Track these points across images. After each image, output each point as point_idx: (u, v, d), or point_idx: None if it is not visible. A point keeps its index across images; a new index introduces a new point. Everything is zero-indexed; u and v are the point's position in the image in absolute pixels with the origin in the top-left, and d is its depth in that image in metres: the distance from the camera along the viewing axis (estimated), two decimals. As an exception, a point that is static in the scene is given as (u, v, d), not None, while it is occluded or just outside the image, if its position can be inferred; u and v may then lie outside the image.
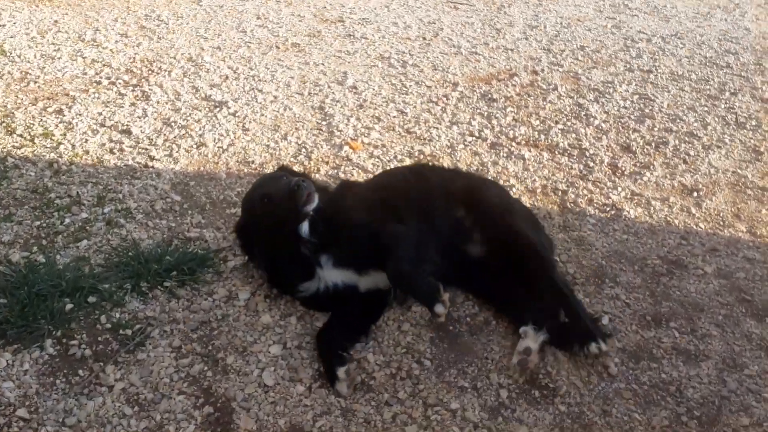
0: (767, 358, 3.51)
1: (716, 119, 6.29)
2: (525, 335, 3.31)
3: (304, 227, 3.36)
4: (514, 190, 4.90)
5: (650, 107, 6.44)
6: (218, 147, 5.12)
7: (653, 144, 5.77)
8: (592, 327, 3.37)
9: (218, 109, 5.66)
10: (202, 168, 4.83)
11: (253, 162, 4.96)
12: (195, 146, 5.10)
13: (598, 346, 3.25)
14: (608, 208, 4.81)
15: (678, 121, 6.20)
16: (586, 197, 4.93)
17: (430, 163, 5.03)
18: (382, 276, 3.39)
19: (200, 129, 5.33)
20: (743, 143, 5.92)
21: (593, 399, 3.18)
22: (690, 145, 5.81)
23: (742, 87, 7.05)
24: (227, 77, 6.27)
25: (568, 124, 5.99)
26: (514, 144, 5.57)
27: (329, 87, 6.25)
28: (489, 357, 3.37)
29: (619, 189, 5.08)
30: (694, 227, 4.69)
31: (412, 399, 3.08)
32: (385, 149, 5.28)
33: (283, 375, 3.15)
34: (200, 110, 5.62)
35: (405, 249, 3.32)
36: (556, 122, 6.00)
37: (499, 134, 5.70)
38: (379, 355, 3.30)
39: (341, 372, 3.06)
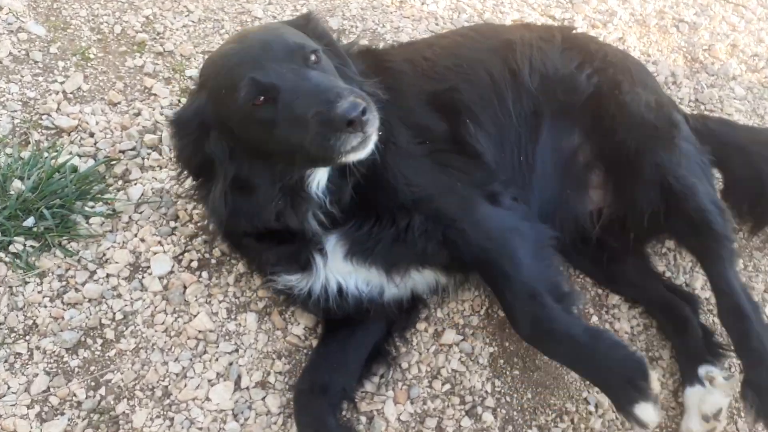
0: None
1: None
2: (710, 382, 1.87)
3: (320, 179, 1.70)
4: (607, 26, 2.96)
5: None
6: None
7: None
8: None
9: None
10: (83, -38, 2.71)
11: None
12: None
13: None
14: (762, 63, 2.98)
15: None
16: (728, 39, 3.05)
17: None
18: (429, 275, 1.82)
19: None
20: None
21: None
22: None
23: None
24: None
25: None
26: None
27: None
28: (594, 396, 1.96)
29: (777, 21, 3.17)
30: None
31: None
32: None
33: (234, 455, 1.73)
34: None
35: (523, 260, 1.68)
36: None
37: None
38: (404, 404, 1.87)
39: None
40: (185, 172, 1.75)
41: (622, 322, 2.10)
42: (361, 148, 1.50)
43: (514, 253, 1.69)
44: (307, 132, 1.47)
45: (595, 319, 2.11)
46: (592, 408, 1.93)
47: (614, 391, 1.57)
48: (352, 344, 1.87)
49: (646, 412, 1.50)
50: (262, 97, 1.51)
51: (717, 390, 1.83)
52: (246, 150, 1.62)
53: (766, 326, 1.81)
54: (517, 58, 2.03)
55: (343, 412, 1.83)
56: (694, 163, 1.97)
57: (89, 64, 2.45)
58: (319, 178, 1.68)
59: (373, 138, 1.53)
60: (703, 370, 1.88)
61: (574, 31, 2.30)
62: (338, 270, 1.78)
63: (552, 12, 3.10)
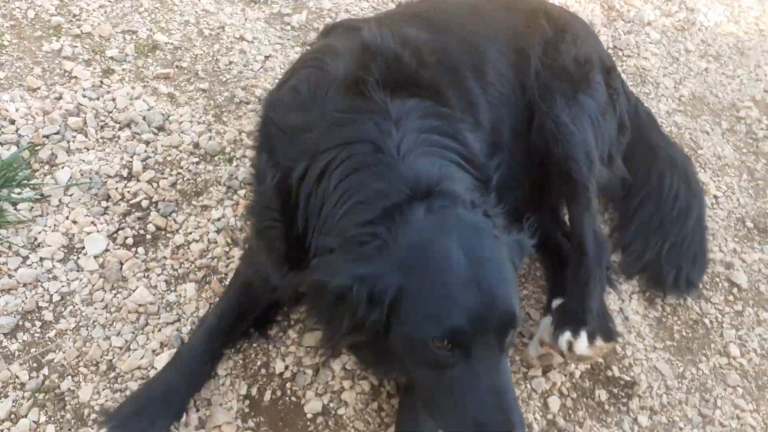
0: None
1: None
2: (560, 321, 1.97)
3: None
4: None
5: None
6: None
7: None
8: (590, 314, 1.93)
9: None
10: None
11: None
12: None
13: (569, 339, 1.87)
14: (675, 8, 3.11)
15: None
16: (641, -14, 3.18)
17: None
18: None
19: None
20: None
21: (686, 394, 2.03)
22: None
23: None
24: None
25: None
26: None
27: None
28: (528, 328, 2.07)
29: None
30: (796, 38, 3.13)
31: None
32: None
33: (187, 420, 1.77)
34: None
35: None
36: None
37: None
38: (349, 355, 1.93)
39: None
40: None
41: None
42: None
43: None
44: (458, 419, 1.34)
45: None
46: (526, 339, 2.05)
47: None
48: None
49: None
50: (450, 345, 1.32)
51: None
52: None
53: (600, 267, 2.02)
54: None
55: (289, 368, 1.89)
56: (585, 115, 2.08)
57: (4, 51, 2.40)
58: None
59: None
60: (555, 303, 2.01)
61: None
62: None
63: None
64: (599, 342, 1.88)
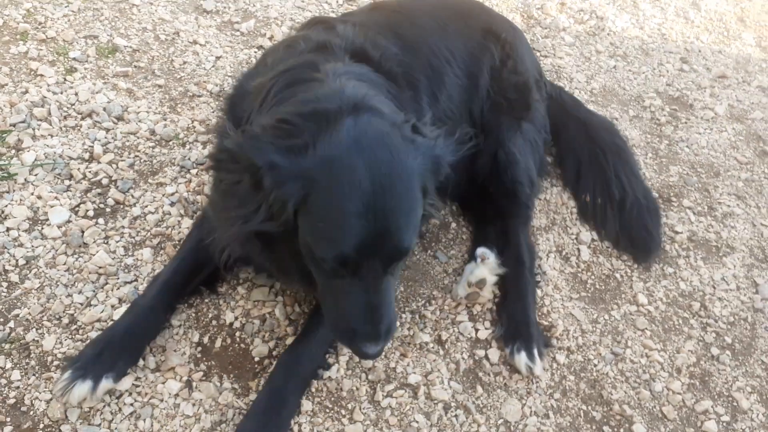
0: (800, 243, 2.72)
1: None
2: (482, 260, 2.27)
3: None
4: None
5: None
6: None
7: None
8: (533, 327, 2.18)
9: None
10: (-41, -35, 2.86)
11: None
12: None
13: (529, 364, 2.08)
14: (586, 16, 3.50)
15: None
16: (557, 0, 3.55)
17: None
18: None
19: None
20: None
21: (599, 336, 2.27)
22: None
23: None
24: None
25: None
26: None
27: None
28: (456, 285, 2.30)
29: (598, -17, 3.71)
30: (695, 41, 3.53)
31: (350, 376, 2.02)
32: None
33: (145, 364, 1.93)
34: None
35: None
36: None
37: None
38: (292, 306, 2.13)
39: None
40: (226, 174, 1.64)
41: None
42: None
43: None
44: (338, 321, 1.63)
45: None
46: (455, 291, 2.27)
47: None
48: None
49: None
50: (342, 270, 1.54)
51: (484, 266, 2.24)
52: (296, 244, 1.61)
53: (533, 275, 2.34)
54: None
55: (238, 319, 2.07)
56: (527, 142, 2.46)
57: (-27, 54, 2.60)
58: None
59: None
60: (479, 251, 2.29)
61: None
62: None
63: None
64: (545, 353, 2.15)
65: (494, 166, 2.40)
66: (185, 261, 2.08)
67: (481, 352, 2.14)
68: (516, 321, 2.18)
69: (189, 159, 2.45)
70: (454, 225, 2.50)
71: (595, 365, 2.19)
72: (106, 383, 1.79)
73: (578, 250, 2.50)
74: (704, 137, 3.02)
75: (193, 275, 2.09)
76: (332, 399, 1.95)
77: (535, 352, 2.10)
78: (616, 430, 2.04)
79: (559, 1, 3.53)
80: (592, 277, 2.44)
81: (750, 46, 3.60)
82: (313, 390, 1.95)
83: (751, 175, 2.92)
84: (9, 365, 1.86)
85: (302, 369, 1.93)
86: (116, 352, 1.87)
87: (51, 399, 1.80)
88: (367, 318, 1.60)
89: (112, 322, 1.96)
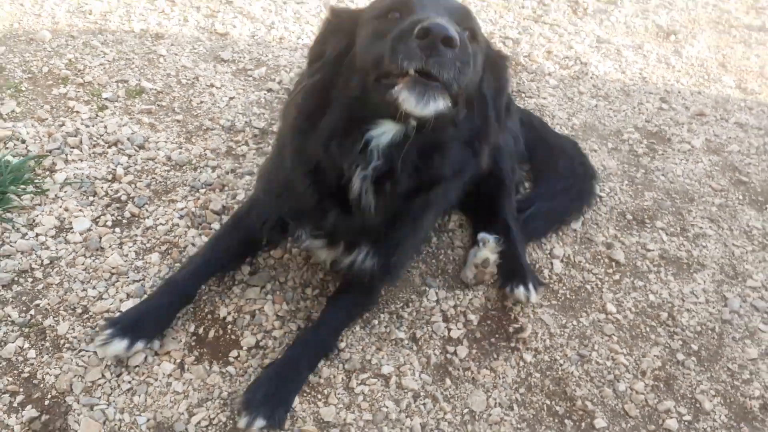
0: (771, 261, 2.84)
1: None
2: (483, 244, 2.53)
3: (385, 136, 1.78)
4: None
5: None
6: (42, -10, 3.59)
7: (623, -29, 4.62)
8: (527, 270, 2.55)
9: (41, -70, 3.97)
10: (15, 24, 3.36)
11: (91, 12, 3.52)
12: (6, -11, 3.56)
13: (526, 294, 2.43)
14: (571, 62, 3.79)
15: (650, -61, 5.00)
16: (543, 48, 3.87)
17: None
18: None
19: (14, -38, 3.72)
20: (726, -32, 4.86)
21: (566, 340, 2.41)
22: (666, -29, 4.69)
23: None
24: None
25: (520, -55, 4.68)
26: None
27: None
28: (433, 289, 2.50)
29: (583, 35, 4.02)
30: (675, 84, 3.77)
31: (328, 366, 2.21)
32: (282, -13, 3.90)
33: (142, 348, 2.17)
34: (14, -67, 3.92)
35: None
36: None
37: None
38: (281, 304, 2.36)
39: None
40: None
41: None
42: (422, 96, 1.49)
43: None
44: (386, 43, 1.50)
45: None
46: (431, 296, 2.47)
47: None
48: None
49: None
50: (398, 14, 1.57)
51: (486, 248, 2.50)
52: (348, 65, 1.68)
53: (521, 234, 2.64)
54: None
55: (231, 314, 2.31)
56: (510, 137, 2.77)
57: (21, 95, 3.03)
58: (385, 132, 1.72)
59: (443, 95, 1.52)
60: (480, 236, 2.55)
61: None
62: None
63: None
64: (539, 288, 2.49)
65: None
66: (219, 244, 2.38)
67: (451, 349, 2.31)
68: (511, 267, 2.51)
69: (199, 180, 2.76)
70: (434, 239, 2.72)
71: (561, 365, 2.33)
72: (139, 344, 2.08)
73: (551, 263, 2.68)
74: (680, 167, 3.21)
75: (225, 256, 2.37)
76: (310, 385, 2.14)
77: (531, 286, 2.44)
78: (577, 423, 2.16)
79: (546, 49, 3.85)
80: (564, 287, 2.61)
81: (730, 87, 3.82)
82: (293, 375, 2.15)
83: (725, 201, 3.07)
84: (27, 345, 2.12)
85: (317, 348, 2.18)
86: (151, 321, 2.15)
87: (59, 374, 2.05)
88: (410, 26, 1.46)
89: (147, 295, 2.26)
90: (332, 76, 1.75)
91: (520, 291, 2.43)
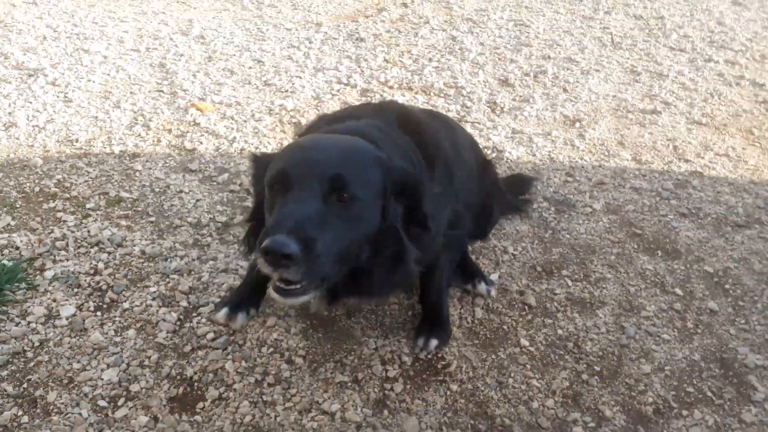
0: (662, 295, 3.32)
1: (593, 41, 6.06)
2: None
3: None
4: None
5: (526, 34, 6.10)
6: (33, 126, 4.24)
7: (532, 74, 5.45)
8: (480, 271, 3.23)
9: (33, 78, 4.70)
10: (11, 154, 3.95)
11: (77, 140, 4.14)
12: (2, 127, 4.18)
13: (488, 288, 3.18)
14: (489, 151, 4.44)
15: (555, 46, 5.90)
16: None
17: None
18: None
19: (9, 105, 4.39)
20: (621, 64, 5.72)
21: (487, 371, 2.82)
22: (569, 71, 5.53)
23: (615, 4, 6.86)
24: (45, 38, 5.25)
25: (443, 60, 5.53)
26: (386, 88, 5.04)
27: (171, 39, 5.40)
28: (371, 339, 2.92)
29: (500, 128, 4.72)
30: (579, 161, 4.43)
31: (283, 407, 2.59)
32: (240, 107, 4.60)
33: (122, 404, 2.54)
34: (9, 82, 4.64)
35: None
36: (430, 60, 5.53)
37: (369, 78, 5.15)
38: (240, 362, 2.76)
39: None
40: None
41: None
42: (284, 296, 1.98)
43: None
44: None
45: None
46: (370, 344, 2.89)
47: None
48: None
49: None
50: (279, 187, 1.95)
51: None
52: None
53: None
54: None
55: (197, 373, 2.70)
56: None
57: (16, 211, 3.55)
58: None
59: (306, 289, 1.94)
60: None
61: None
62: None
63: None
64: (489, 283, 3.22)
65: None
66: None
67: (389, 386, 2.71)
68: (469, 273, 3.17)
69: (169, 268, 3.23)
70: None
71: (482, 391, 2.73)
72: (249, 314, 2.91)
73: (473, 311, 3.14)
74: (583, 226, 3.77)
75: None
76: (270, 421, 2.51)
77: (484, 283, 3.17)
78: (497, 437, 2.54)
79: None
80: (484, 329, 3.05)
81: (627, 160, 4.48)
82: (247, 420, 2.52)
83: (622, 251, 3.61)
84: (21, 413, 2.49)
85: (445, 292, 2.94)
86: (245, 302, 2.91)
87: None
88: (274, 224, 1.78)
89: (241, 281, 2.85)
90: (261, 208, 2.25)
91: (482, 287, 3.16)
